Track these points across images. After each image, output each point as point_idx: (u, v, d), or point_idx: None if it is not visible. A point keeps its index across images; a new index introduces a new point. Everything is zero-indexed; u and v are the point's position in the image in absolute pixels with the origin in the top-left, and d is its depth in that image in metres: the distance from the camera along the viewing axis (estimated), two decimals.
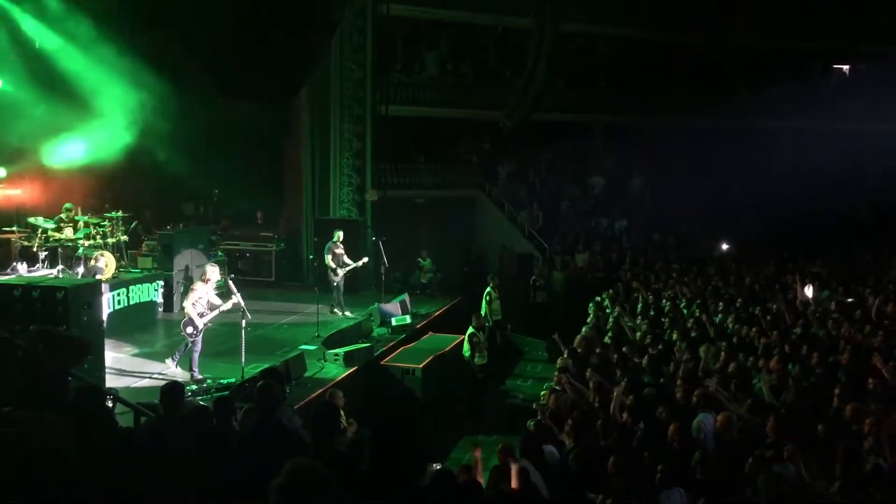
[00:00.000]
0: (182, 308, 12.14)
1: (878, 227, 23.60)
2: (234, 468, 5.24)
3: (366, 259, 16.40)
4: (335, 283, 16.00)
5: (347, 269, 16.03)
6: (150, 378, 11.74)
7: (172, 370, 11.89)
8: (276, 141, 21.15)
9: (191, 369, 11.57)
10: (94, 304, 10.53)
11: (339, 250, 16.04)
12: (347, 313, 16.00)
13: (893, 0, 25.72)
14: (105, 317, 11.71)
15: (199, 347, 11.59)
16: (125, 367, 12.31)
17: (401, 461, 4.51)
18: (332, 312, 15.90)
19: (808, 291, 14.61)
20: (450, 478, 5.52)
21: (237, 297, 11.57)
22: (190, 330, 11.39)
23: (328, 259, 15.95)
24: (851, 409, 7.58)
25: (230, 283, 12.65)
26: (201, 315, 11.47)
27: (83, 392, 5.91)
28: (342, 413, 9.09)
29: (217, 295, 11.91)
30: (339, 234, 16.27)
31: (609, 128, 26.63)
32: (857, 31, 26.17)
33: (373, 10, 20.14)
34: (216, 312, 11.61)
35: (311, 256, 16.01)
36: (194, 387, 10.84)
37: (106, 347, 11.20)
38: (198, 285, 11.84)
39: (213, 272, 12.03)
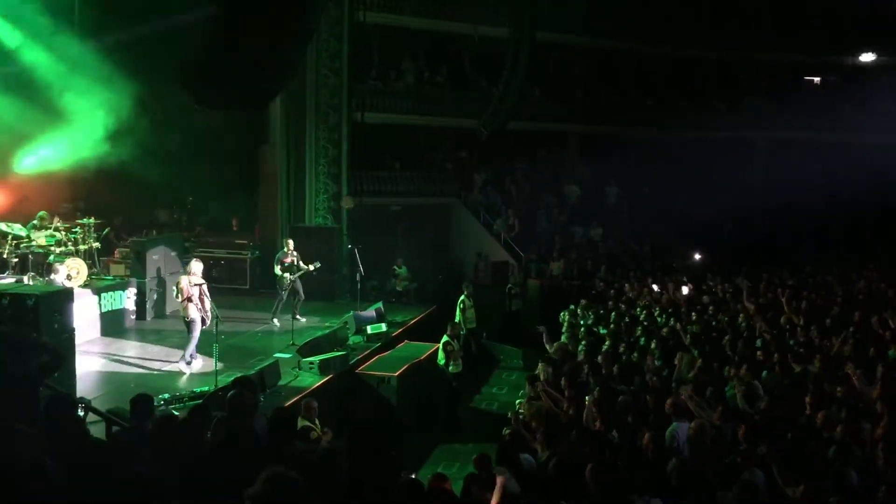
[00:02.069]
0: (182, 308, 12.66)
1: (849, 239, 23.93)
2: (207, 477, 5.20)
3: (318, 264, 16.15)
4: (283, 287, 15.87)
5: (299, 274, 15.89)
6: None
7: (187, 368, 12.48)
8: (251, 148, 21.07)
9: (185, 351, 12.40)
10: (65, 312, 10.40)
11: (289, 259, 15.94)
12: (276, 322, 15.83)
13: (863, 14, 26.17)
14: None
15: (196, 335, 12.41)
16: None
17: (373, 471, 4.49)
18: (295, 318, 15.76)
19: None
20: (420, 488, 5.50)
21: (209, 304, 12.32)
22: (193, 318, 12.36)
23: (277, 269, 15.85)
24: (822, 417, 7.67)
25: (204, 289, 12.69)
26: (197, 307, 12.40)
27: (54, 402, 5.84)
28: (316, 422, 9.06)
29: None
30: (290, 243, 16.24)
31: (585, 137, 26.82)
32: (827, 44, 26.57)
33: (349, 17, 20.13)
34: (207, 301, 12.50)
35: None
36: (167, 396, 10.74)
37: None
38: (184, 280, 12.54)
39: (198, 267, 12.85)
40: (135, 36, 15.09)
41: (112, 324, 14.91)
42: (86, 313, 14.01)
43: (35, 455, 4.35)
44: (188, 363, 12.52)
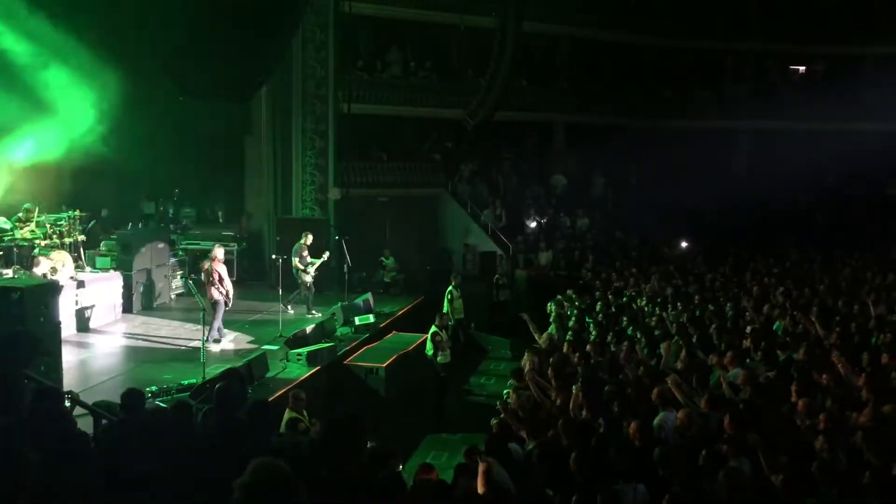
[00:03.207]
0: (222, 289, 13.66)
1: (833, 227, 24.09)
2: (195, 469, 5.21)
3: (327, 254, 16.37)
4: (307, 284, 16.02)
5: (314, 267, 16.06)
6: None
7: (216, 346, 13.37)
8: (237, 139, 21.00)
9: (209, 332, 13.06)
10: (51, 305, 10.35)
11: (306, 252, 16.02)
12: (315, 313, 16.04)
13: (849, 3, 26.29)
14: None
15: (220, 314, 13.54)
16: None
17: (347, 459, 4.50)
18: (310, 314, 15.99)
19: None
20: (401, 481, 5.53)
21: (230, 286, 13.45)
22: (221, 299, 13.48)
23: (296, 261, 15.89)
24: (804, 405, 7.73)
25: (191, 283, 12.75)
26: (219, 290, 13.46)
27: (40, 394, 5.82)
28: (304, 413, 9.06)
29: (180, 296, 12.60)
30: (310, 238, 16.31)
31: (571, 127, 26.84)
32: (813, 34, 26.71)
33: (335, 8, 20.07)
34: (228, 283, 13.65)
35: (273, 255, 15.94)
36: (154, 388, 10.72)
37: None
38: (209, 264, 13.62)
39: (220, 252, 13.98)
40: (118, 26, 14.97)
41: (99, 316, 14.85)
42: (72, 305, 13.99)
43: (15, 446, 4.32)
44: (216, 341, 13.41)
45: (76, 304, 14.20)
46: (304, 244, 16.14)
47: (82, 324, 14.38)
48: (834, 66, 28.24)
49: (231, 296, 13.77)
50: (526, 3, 20.60)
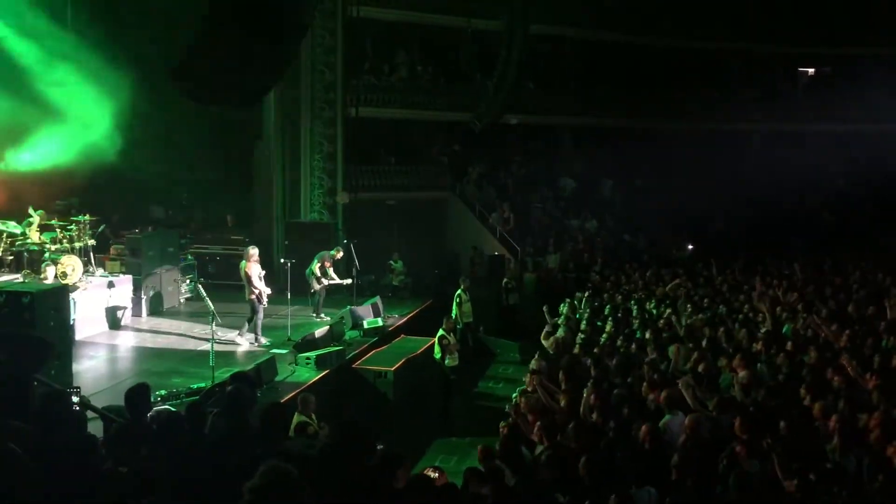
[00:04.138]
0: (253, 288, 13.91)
1: (842, 229, 23.99)
2: (204, 472, 5.21)
3: (349, 281, 16.53)
4: (314, 291, 16.03)
5: (331, 282, 16.14)
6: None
7: (241, 339, 13.91)
8: (246, 143, 21.05)
9: (256, 338, 13.87)
10: (62, 309, 10.39)
11: (329, 264, 16.07)
12: (323, 316, 16.07)
13: (856, 4, 26.20)
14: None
15: (261, 316, 13.92)
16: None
17: (358, 463, 4.50)
18: (318, 317, 16.02)
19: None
20: (425, 481, 5.51)
21: (207, 301, 12.51)
22: (254, 298, 13.72)
23: (315, 267, 15.89)
24: (819, 408, 7.68)
25: (200, 287, 12.79)
26: (251, 290, 13.73)
27: (49, 398, 5.82)
28: (313, 417, 9.05)
29: (189, 299, 12.56)
30: (340, 253, 16.45)
31: (579, 130, 26.81)
32: (820, 35, 26.62)
33: (343, 12, 20.12)
34: (259, 283, 13.89)
35: (282, 259, 15.97)
36: (163, 392, 10.74)
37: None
38: (245, 264, 13.91)
39: (255, 251, 14.17)
40: (128, 31, 15.04)
41: (110, 319, 14.91)
42: (88, 308, 14.13)
43: (14, 450, 4.31)
44: (251, 342, 13.92)
45: (107, 303, 14.60)
46: (333, 255, 16.23)
47: (111, 322, 14.73)
48: (842, 67, 28.13)
49: (264, 296, 13.92)
50: (532, 6, 20.61)
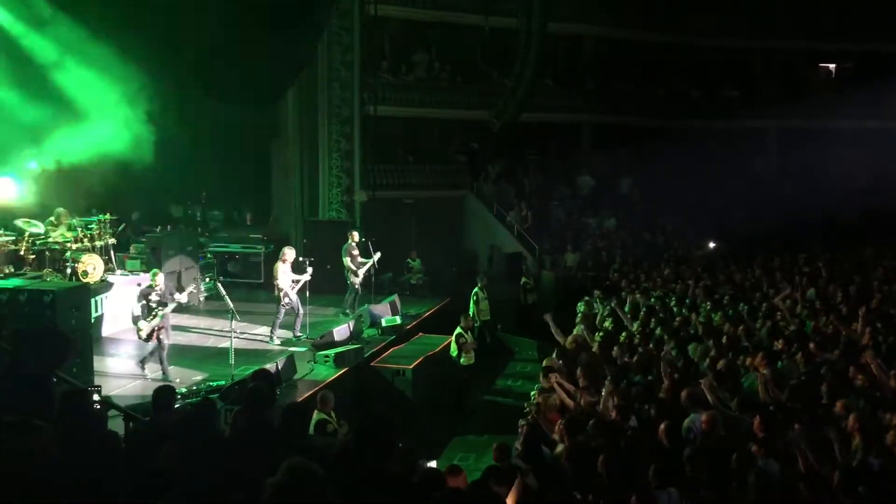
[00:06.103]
0: (277, 287, 14.20)
1: (864, 226, 23.73)
2: (225, 469, 5.22)
3: (378, 255, 16.29)
4: (356, 286, 16.07)
5: (364, 268, 16.07)
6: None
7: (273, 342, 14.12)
8: (264, 142, 21.10)
9: (271, 335, 14.15)
10: (83, 308, 10.47)
11: (356, 251, 16.05)
12: (349, 313, 16.08)
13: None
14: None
15: (281, 316, 14.18)
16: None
17: (380, 461, 4.50)
18: (344, 314, 16.04)
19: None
20: (442, 479, 5.49)
21: (227, 299, 12.39)
22: (286, 300, 14.03)
23: (347, 261, 15.92)
24: (841, 406, 7.61)
25: (219, 285, 12.84)
26: (278, 288, 13.97)
27: (70, 396, 5.86)
28: (332, 415, 9.06)
29: (208, 298, 12.76)
30: (356, 235, 16.39)
31: (597, 127, 26.69)
32: (842, 31, 26.33)
33: (360, 10, 20.14)
34: (300, 284, 14.24)
35: (300, 258, 16.00)
36: (184, 390, 10.80)
37: None
38: (280, 266, 14.13)
39: (291, 253, 14.45)
40: (152, 34, 15.09)
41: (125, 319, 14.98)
42: (115, 306, 14.40)
43: (46, 449, 4.34)
44: (297, 338, 14.18)
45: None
46: (353, 243, 16.16)
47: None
48: (864, 63, 27.80)
49: (290, 297, 14.10)
50: (551, 4, 20.54)
